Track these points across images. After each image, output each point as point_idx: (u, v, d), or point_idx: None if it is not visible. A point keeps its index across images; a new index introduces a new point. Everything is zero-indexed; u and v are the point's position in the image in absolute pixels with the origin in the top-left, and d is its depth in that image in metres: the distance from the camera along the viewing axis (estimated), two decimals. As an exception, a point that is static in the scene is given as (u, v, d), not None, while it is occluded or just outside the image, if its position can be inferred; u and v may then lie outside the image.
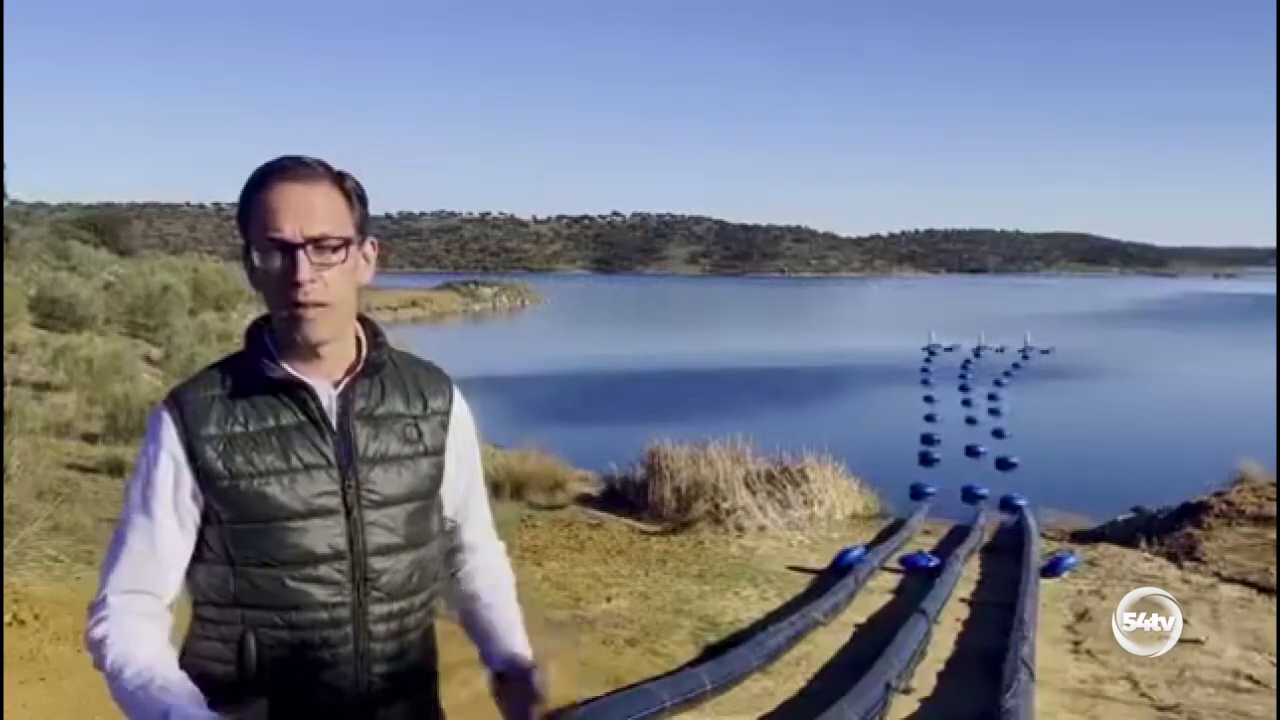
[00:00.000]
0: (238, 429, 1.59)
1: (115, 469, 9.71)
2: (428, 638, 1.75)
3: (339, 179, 1.63)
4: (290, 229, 1.55)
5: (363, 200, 1.66)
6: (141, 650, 1.55)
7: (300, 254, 1.55)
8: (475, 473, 1.85)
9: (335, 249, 1.58)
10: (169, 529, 1.59)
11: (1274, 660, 7.47)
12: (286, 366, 1.62)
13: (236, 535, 1.58)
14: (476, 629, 1.84)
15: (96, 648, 1.57)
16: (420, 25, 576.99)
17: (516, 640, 1.80)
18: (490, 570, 1.88)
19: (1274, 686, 6.87)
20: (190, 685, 1.52)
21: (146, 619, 1.59)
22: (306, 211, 1.57)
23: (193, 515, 1.59)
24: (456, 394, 1.79)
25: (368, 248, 1.67)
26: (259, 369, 1.61)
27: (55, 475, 9.15)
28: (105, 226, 41.84)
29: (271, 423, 1.60)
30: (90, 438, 11.85)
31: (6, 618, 5.35)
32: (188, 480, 1.58)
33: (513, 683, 1.72)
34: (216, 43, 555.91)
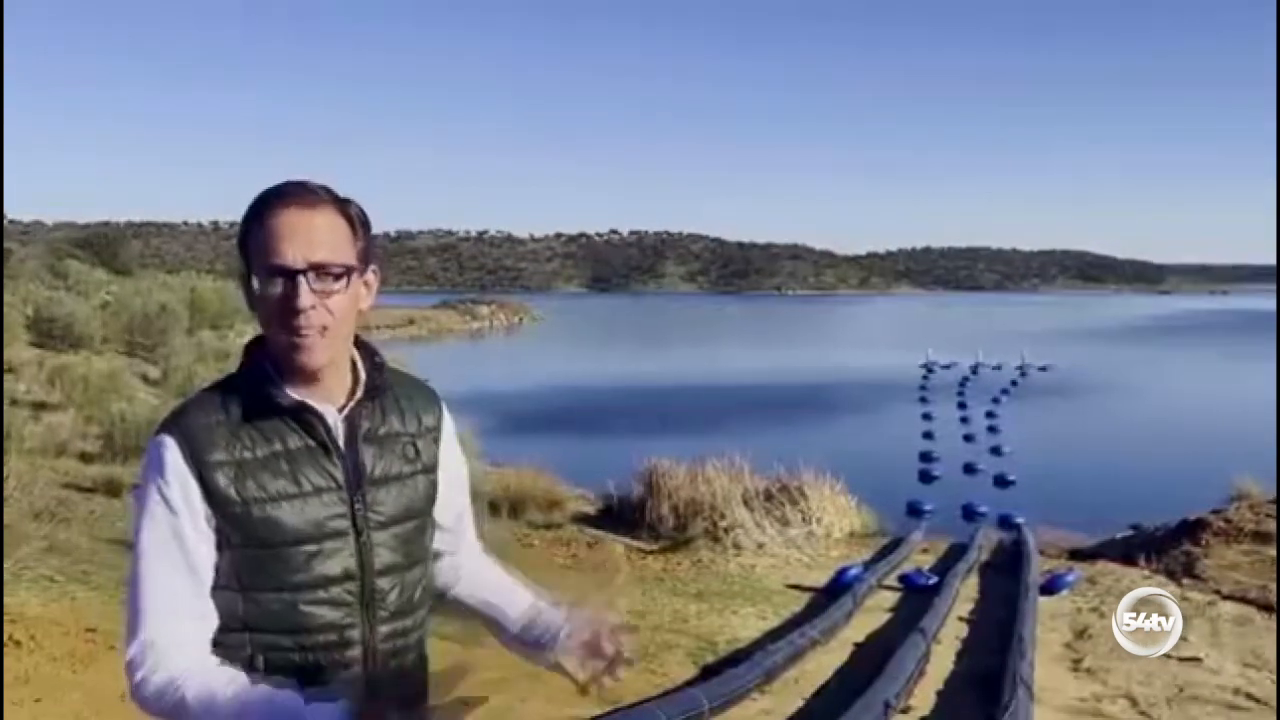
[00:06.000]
0: (246, 454, 1.57)
1: (112, 489, 9.69)
2: (423, 654, 1.77)
3: (343, 205, 1.63)
4: (292, 255, 1.55)
5: (366, 227, 1.65)
6: (220, 678, 1.52)
7: (301, 280, 1.54)
8: (464, 485, 1.87)
9: (337, 277, 1.57)
10: (200, 552, 1.56)
11: (1274, 678, 7.45)
12: (291, 391, 1.61)
13: (247, 560, 1.57)
14: (510, 619, 1.85)
15: (160, 697, 1.51)
16: (416, 44, 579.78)
17: (546, 608, 1.81)
18: (498, 569, 1.92)
19: (1274, 705, 6.86)
20: (293, 694, 1.49)
21: (203, 649, 1.56)
22: (309, 238, 1.56)
23: (211, 540, 1.57)
24: (444, 409, 1.80)
25: (369, 275, 1.66)
26: (265, 394, 1.60)
27: (51, 495, 9.11)
28: (102, 246, 41.77)
29: (279, 447, 1.60)
30: (87, 457, 11.83)
31: (3, 638, 5.33)
32: (200, 506, 1.56)
33: (570, 639, 1.74)
34: (214, 62, 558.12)
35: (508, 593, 1.87)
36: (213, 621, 1.57)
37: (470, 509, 1.91)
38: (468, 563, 1.89)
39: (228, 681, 1.51)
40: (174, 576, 1.55)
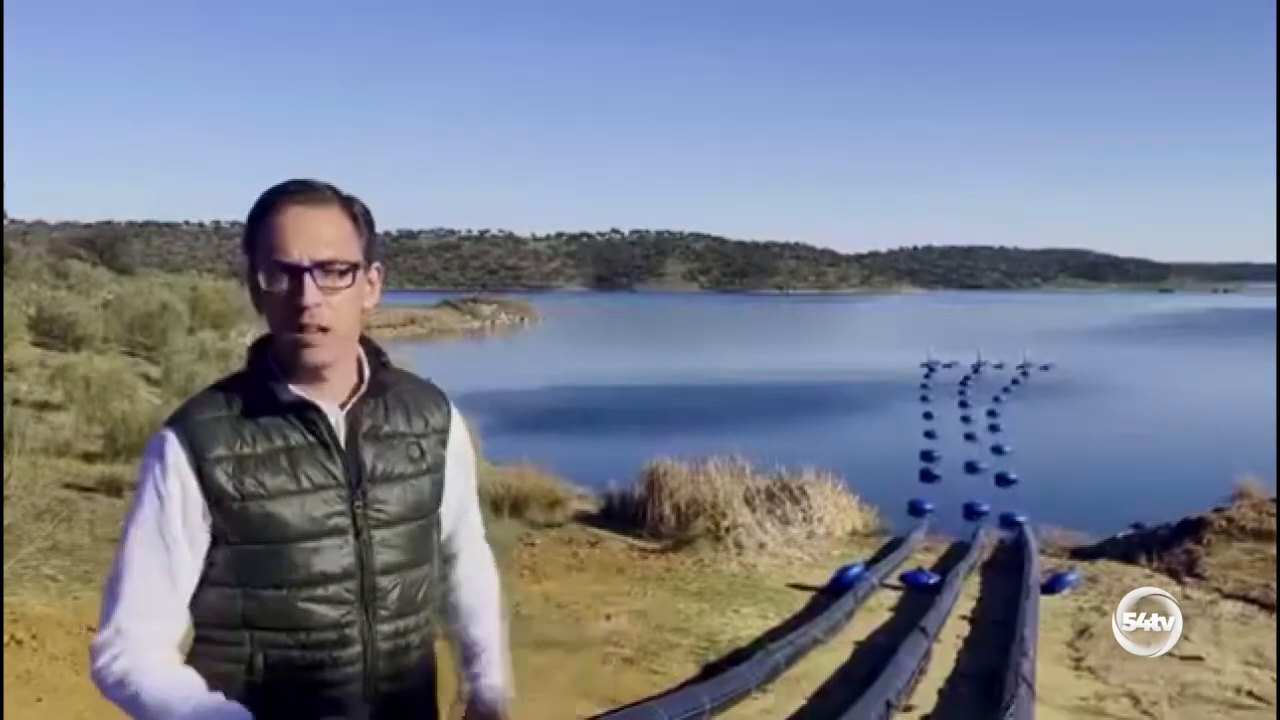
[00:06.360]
0: (246, 450, 1.58)
1: (114, 488, 9.66)
2: (428, 654, 1.76)
3: (347, 203, 1.64)
4: (298, 252, 1.56)
5: (370, 225, 1.66)
6: (178, 679, 1.53)
7: (307, 278, 1.55)
8: (471, 488, 1.87)
9: (342, 274, 1.58)
10: (183, 553, 1.57)
11: (1275, 676, 7.44)
12: (294, 388, 1.61)
13: (246, 557, 1.57)
14: (458, 646, 1.88)
15: (120, 685, 1.53)
16: (418, 45, 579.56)
17: (492, 670, 1.84)
18: (479, 587, 1.91)
19: (1275, 703, 6.85)
20: (241, 708, 1.50)
21: (169, 648, 1.57)
22: (314, 236, 1.57)
23: (203, 538, 1.58)
24: (453, 411, 1.80)
25: (374, 272, 1.67)
26: (268, 391, 1.60)
27: (53, 495, 9.11)
28: (104, 245, 41.73)
29: (280, 444, 1.60)
30: (89, 457, 11.81)
31: (4, 638, 5.33)
32: (197, 502, 1.56)
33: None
34: (215, 62, 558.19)
35: (475, 615, 1.88)
36: (182, 622, 1.58)
37: (475, 516, 1.91)
38: (463, 569, 1.89)
39: (182, 687, 1.52)
40: (153, 573, 1.56)
